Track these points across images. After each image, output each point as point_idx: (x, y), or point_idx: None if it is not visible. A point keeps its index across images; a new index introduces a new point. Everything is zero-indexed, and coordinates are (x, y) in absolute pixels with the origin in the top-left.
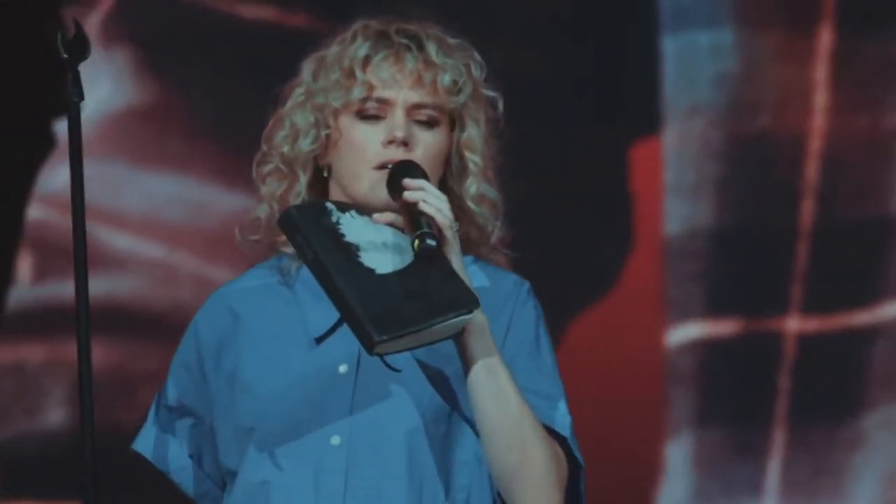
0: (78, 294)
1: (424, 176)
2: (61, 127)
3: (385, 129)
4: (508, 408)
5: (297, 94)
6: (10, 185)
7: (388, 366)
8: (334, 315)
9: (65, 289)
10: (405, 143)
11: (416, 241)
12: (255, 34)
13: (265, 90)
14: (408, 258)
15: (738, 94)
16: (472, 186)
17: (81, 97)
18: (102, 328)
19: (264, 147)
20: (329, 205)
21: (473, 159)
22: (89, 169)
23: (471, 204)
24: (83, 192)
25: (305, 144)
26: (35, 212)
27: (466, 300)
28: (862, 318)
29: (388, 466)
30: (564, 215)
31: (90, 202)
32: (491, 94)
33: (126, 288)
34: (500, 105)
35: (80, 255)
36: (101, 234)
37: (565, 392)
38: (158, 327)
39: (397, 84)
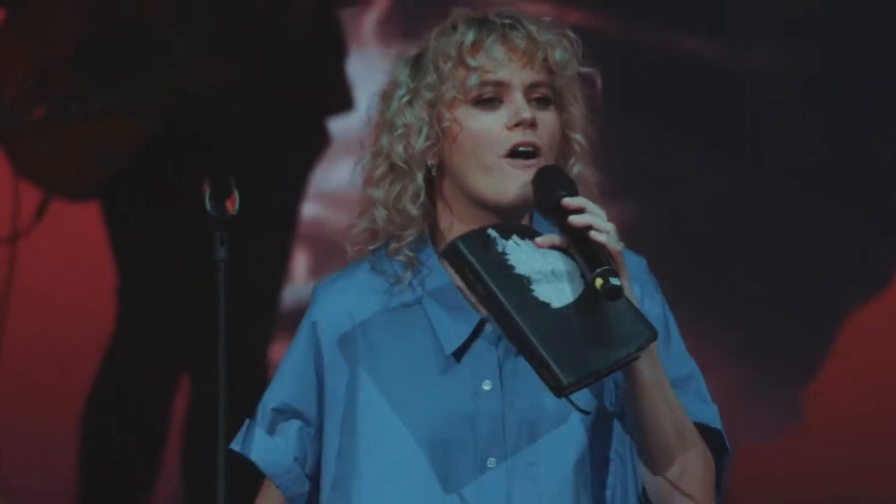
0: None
1: (573, 183)
2: (336, 124)
3: (507, 112)
4: (674, 424)
5: (398, 95)
6: (288, 183)
7: (577, 407)
8: (467, 329)
9: None
10: (533, 125)
11: (599, 281)
12: None
13: None
14: (577, 286)
15: None
16: (576, 167)
17: (227, 256)
18: None
19: (368, 154)
20: (491, 232)
21: (577, 139)
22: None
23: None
24: (230, 358)
25: (420, 142)
26: (311, 209)
27: (646, 330)
28: None
29: (548, 482)
30: (837, 214)
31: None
32: (588, 70)
33: None
34: (599, 81)
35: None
36: None
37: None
38: None
39: (511, 64)
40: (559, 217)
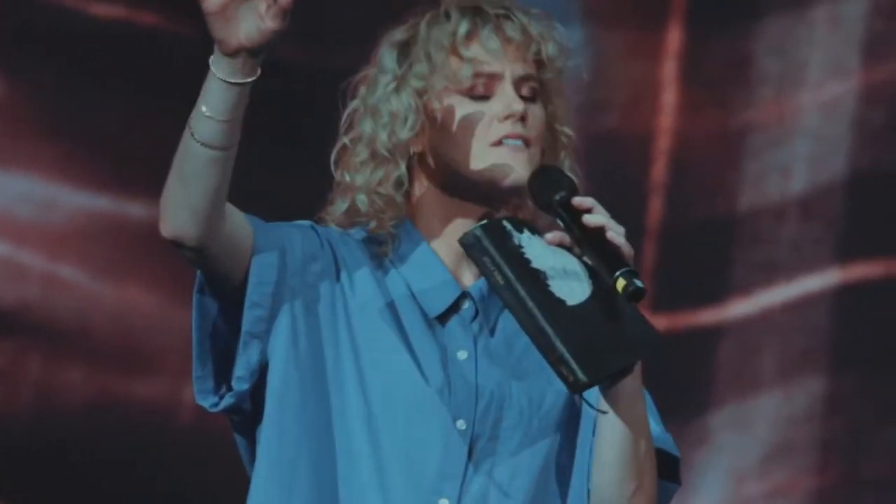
0: None
1: (574, 183)
2: None
3: (498, 104)
4: (640, 440)
5: (384, 82)
6: None
7: (591, 406)
8: (449, 298)
9: None
10: (523, 118)
11: (623, 282)
12: (104, 32)
13: (113, 89)
14: (586, 285)
15: (587, 93)
16: (567, 161)
17: None
18: None
19: (346, 139)
20: (507, 224)
21: (565, 132)
22: None
23: None
24: None
25: (405, 131)
26: None
27: (655, 335)
28: (709, 316)
29: (505, 459)
30: None
31: None
32: (575, 64)
33: None
34: (585, 74)
35: None
36: None
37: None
38: (5, 325)
39: (504, 57)
40: (566, 215)
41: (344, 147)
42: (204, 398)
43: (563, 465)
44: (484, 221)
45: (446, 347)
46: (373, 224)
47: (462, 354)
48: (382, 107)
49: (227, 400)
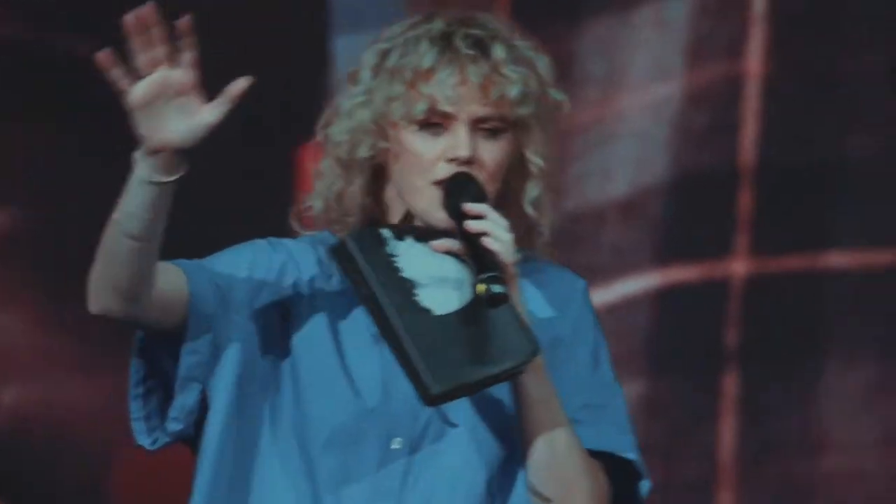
0: None
1: (482, 192)
2: None
3: (447, 142)
4: (558, 444)
5: (356, 93)
6: None
7: (446, 419)
8: None
9: None
10: (469, 162)
11: (482, 287)
12: None
13: None
14: (466, 294)
15: None
16: (533, 191)
17: None
18: None
19: (320, 137)
20: (385, 232)
21: (536, 162)
22: None
23: (528, 208)
24: None
25: (363, 151)
26: None
27: (527, 346)
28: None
29: (446, 474)
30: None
31: None
32: (559, 97)
33: None
34: (567, 107)
35: None
36: None
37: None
38: None
39: (461, 99)
40: (459, 223)
41: (318, 145)
42: (143, 438)
43: (514, 472)
44: (357, 230)
45: (390, 361)
46: (335, 227)
47: None
48: (347, 119)
49: (162, 440)
